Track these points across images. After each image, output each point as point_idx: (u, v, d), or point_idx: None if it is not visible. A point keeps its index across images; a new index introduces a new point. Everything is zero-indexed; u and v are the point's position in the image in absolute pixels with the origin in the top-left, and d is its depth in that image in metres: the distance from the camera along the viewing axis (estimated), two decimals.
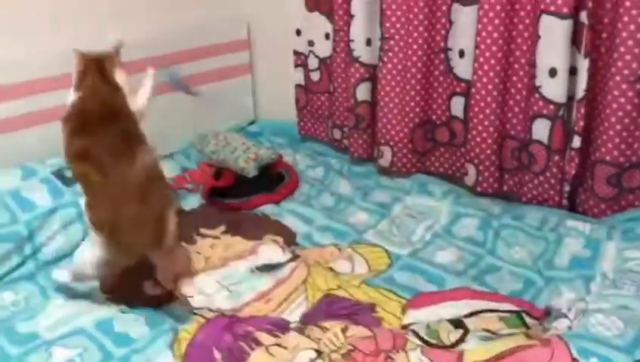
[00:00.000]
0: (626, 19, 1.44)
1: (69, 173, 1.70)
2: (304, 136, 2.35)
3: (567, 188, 1.67)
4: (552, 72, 1.57)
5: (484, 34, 1.65)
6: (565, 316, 1.23)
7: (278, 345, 1.27)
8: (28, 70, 1.82)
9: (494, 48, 1.65)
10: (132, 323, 1.36)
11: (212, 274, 1.53)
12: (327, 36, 2.11)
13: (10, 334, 1.32)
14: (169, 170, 2.05)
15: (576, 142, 1.59)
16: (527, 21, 1.62)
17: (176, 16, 2.23)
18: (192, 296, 1.45)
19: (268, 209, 1.87)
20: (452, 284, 1.46)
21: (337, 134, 2.20)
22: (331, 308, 1.39)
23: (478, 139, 1.77)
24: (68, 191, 1.67)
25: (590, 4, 1.47)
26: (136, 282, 1.51)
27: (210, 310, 1.40)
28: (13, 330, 1.34)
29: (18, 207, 1.60)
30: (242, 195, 1.94)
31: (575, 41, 1.55)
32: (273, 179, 2.02)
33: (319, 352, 1.23)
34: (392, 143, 1.98)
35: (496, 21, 1.62)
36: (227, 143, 2.10)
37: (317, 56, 2.17)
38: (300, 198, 1.96)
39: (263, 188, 1.96)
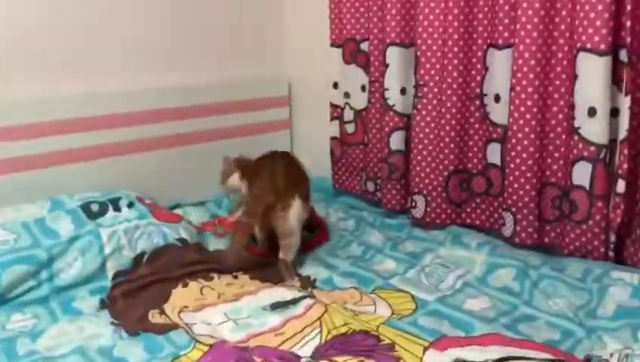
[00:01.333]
0: None
1: (95, 207, 1.73)
2: (338, 190, 2.31)
3: (612, 238, 1.54)
4: (592, 112, 1.49)
5: (519, 75, 1.61)
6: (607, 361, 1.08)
7: None
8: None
9: (530, 89, 1.60)
10: (132, 348, 1.29)
11: (221, 308, 1.46)
12: (363, 88, 2.12)
13: (9, 352, 1.28)
14: (198, 216, 2.06)
15: (621, 186, 1.48)
16: (564, 61, 1.57)
17: (223, 70, 2.32)
18: (194, 323, 1.38)
19: None
20: (481, 331, 1.32)
21: (371, 187, 2.15)
22: (347, 343, 1.28)
23: (516, 186, 1.68)
24: (91, 223, 1.67)
25: (629, 40, 1.42)
26: (144, 310, 1.46)
27: (213, 337, 1.31)
28: (14, 349, 1.29)
29: (41, 233, 1.60)
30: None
31: (615, 80, 1.48)
32: (310, 230, 1.97)
33: None
34: (425, 192, 1.90)
35: (532, 62, 1.58)
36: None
37: (352, 108, 2.17)
38: (327, 248, 1.89)
39: None
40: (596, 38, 1.45)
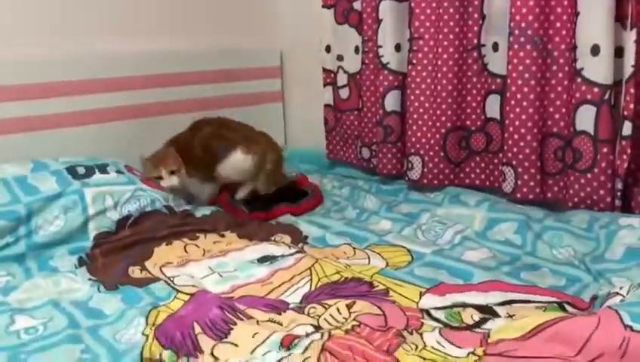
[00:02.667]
0: None
1: (81, 170, 1.65)
2: (332, 160, 2.23)
3: (619, 185, 1.45)
4: (595, 50, 1.41)
5: (517, 18, 1.53)
6: (618, 293, 0.99)
7: (271, 321, 1.08)
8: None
9: (529, 32, 1.52)
10: (109, 300, 1.21)
11: (205, 262, 1.37)
12: (356, 50, 2.04)
13: None
14: None
15: (627, 129, 1.39)
16: (564, 1, 1.49)
17: (212, 37, 2.25)
18: (177, 276, 1.30)
19: (283, 219, 1.72)
20: (481, 279, 1.23)
21: (366, 153, 2.07)
22: (338, 290, 1.19)
23: (516, 137, 1.59)
24: (76, 183, 1.59)
25: None
26: (124, 266, 1.38)
27: (195, 288, 1.23)
28: None
29: (21, 190, 1.52)
30: (263, 208, 1.81)
31: (619, 17, 1.40)
32: (297, 194, 1.89)
33: (318, 327, 1.03)
34: (422, 152, 1.82)
35: (531, 2, 1.50)
36: None
37: (346, 72, 2.09)
38: (321, 211, 1.81)
39: (286, 201, 1.83)
40: None
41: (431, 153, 1.81)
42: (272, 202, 1.83)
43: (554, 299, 1.11)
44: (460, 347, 0.93)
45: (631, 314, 0.85)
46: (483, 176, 1.79)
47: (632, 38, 1.35)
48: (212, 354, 0.99)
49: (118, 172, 1.70)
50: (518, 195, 1.61)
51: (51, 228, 1.48)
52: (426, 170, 1.82)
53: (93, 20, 1.94)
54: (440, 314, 1.07)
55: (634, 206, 1.47)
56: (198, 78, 2.19)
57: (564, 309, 1.07)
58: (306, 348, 0.94)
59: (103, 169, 1.69)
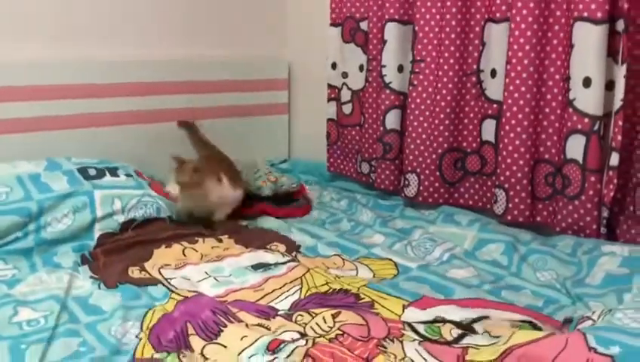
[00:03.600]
0: None
1: (92, 172, 1.72)
2: (333, 173, 2.29)
3: (605, 213, 1.50)
4: (587, 82, 1.46)
5: (515, 47, 1.59)
6: (589, 318, 1.04)
7: (260, 325, 1.14)
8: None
9: (526, 61, 1.58)
10: (108, 298, 1.27)
11: (202, 267, 1.43)
12: (360, 68, 2.11)
13: None
14: None
15: (614, 160, 1.44)
16: (560, 33, 1.54)
17: (224, 48, 2.33)
18: (173, 278, 1.36)
19: (275, 224, 1.78)
20: (462, 296, 1.28)
21: (365, 168, 2.12)
22: (325, 300, 1.25)
23: (509, 161, 1.65)
24: (87, 184, 1.65)
25: (626, 7, 1.40)
26: (124, 266, 1.44)
27: (190, 292, 1.28)
28: None
29: (35, 188, 1.59)
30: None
31: (611, 52, 1.46)
32: (287, 201, 1.96)
33: (303, 335, 1.09)
34: (419, 171, 1.88)
35: (528, 33, 1.56)
36: (254, 167, 2.06)
37: (350, 88, 2.15)
38: (317, 222, 1.86)
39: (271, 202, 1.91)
40: (593, 6, 1.42)
41: (427, 172, 1.86)
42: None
43: (527, 318, 1.16)
44: (438, 360, 0.98)
45: (596, 337, 0.90)
46: (476, 197, 1.84)
47: (623, 72, 1.40)
48: (202, 353, 1.04)
49: (128, 175, 1.76)
50: (509, 217, 1.66)
51: (59, 226, 1.55)
52: (422, 188, 1.88)
53: (109, 27, 2.02)
54: (420, 328, 1.12)
55: (619, 234, 1.52)
56: (208, 87, 2.26)
57: (537, 328, 1.12)
58: (291, 353, 1.00)
59: (113, 172, 1.75)
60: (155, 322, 1.14)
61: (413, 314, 1.18)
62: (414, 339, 1.06)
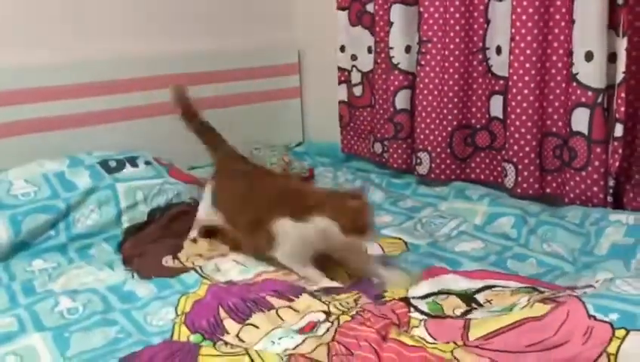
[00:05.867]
0: None
1: (112, 164, 1.80)
2: (347, 154, 2.35)
3: (611, 183, 1.54)
4: (589, 56, 1.49)
5: (518, 24, 1.62)
6: (591, 286, 1.10)
7: (289, 307, 1.21)
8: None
9: (529, 38, 1.61)
10: (142, 285, 1.36)
11: (232, 256, 1.50)
12: (369, 50, 2.15)
13: (28, 291, 1.36)
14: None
15: (619, 130, 1.48)
16: (562, 8, 1.57)
17: (235, 37, 2.38)
18: (205, 265, 1.44)
19: None
20: (467, 268, 1.35)
21: (378, 148, 2.18)
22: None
23: (517, 136, 1.69)
24: (108, 178, 1.74)
25: None
26: (158, 257, 1.52)
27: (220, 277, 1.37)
28: (33, 289, 1.37)
29: (60, 186, 1.68)
30: None
31: (613, 25, 1.48)
32: None
33: (328, 314, 1.16)
34: (430, 149, 1.93)
35: (530, 10, 1.59)
36: (270, 149, 2.14)
37: (360, 71, 2.20)
38: None
39: None
40: None
41: (438, 149, 1.91)
42: None
43: (530, 285, 1.22)
44: (441, 341, 1.04)
45: (595, 306, 0.96)
46: (487, 172, 1.89)
47: (624, 45, 1.43)
48: (238, 336, 1.12)
49: (147, 163, 1.84)
50: (519, 191, 1.72)
51: (88, 222, 1.64)
52: (433, 165, 1.93)
53: (121, 22, 2.09)
54: (424, 306, 1.18)
55: (625, 202, 1.56)
56: (221, 77, 2.32)
57: (537, 291, 1.18)
58: (325, 332, 1.07)
59: (132, 161, 1.83)
60: (189, 307, 1.23)
61: (418, 289, 1.24)
62: (420, 322, 1.11)
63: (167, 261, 1.51)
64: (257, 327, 1.12)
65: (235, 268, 1.43)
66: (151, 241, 1.63)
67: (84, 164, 1.77)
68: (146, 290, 1.33)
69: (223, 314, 1.18)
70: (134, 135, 2.09)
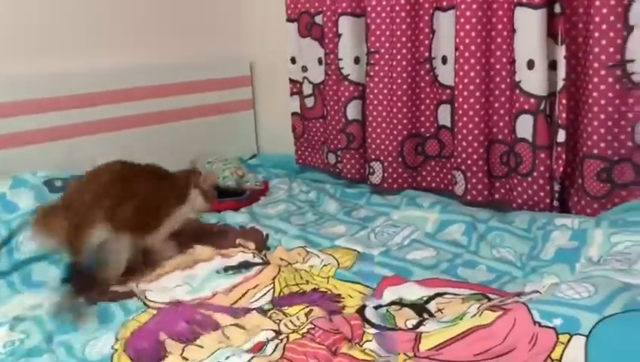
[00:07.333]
0: (597, 3, 1.41)
1: (58, 183, 1.75)
2: (302, 165, 2.34)
3: (556, 187, 1.58)
4: (530, 64, 1.53)
5: (462, 34, 1.65)
6: (538, 292, 1.12)
7: (236, 326, 1.19)
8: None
9: (473, 47, 1.64)
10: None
11: (177, 274, 1.47)
12: (319, 61, 2.15)
13: None
14: None
15: (561, 136, 1.52)
16: (504, 17, 1.61)
17: (185, 50, 2.35)
18: (149, 290, 1.40)
19: (240, 219, 1.83)
20: (420, 276, 1.35)
21: (332, 159, 2.18)
22: (297, 298, 1.31)
23: (465, 144, 1.72)
24: (53, 197, 1.67)
25: None
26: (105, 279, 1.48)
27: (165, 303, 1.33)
28: None
29: (2, 208, 1.61)
30: None
31: (552, 33, 1.52)
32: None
33: (278, 333, 1.15)
34: (382, 158, 1.94)
35: (473, 20, 1.62)
36: (224, 162, 2.12)
37: (311, 82, 2.20)
38: (283, 216, 1.90)
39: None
40: None
41: (390, 159, 1.92)
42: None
43: (479, 292, 1.23)
44: (393, 352, 1.04)
45: (540, 312, 0.97)
46: (438, 180, 1.91)
47: (563, 53, 1.47)
48: (182, 355, 1.10)
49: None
50: (469, 198, 1.74)
51: (32, 244, 1.57)
52: (386, 174, 1.94)
53: (62, 37, 2.02)
54: (377, 319, 1.17)
55: (571, 206, 1.60)
56: (172, 90, 2.28)
57: (487, 298, 1.19)
58: (274, 350, 1.06)
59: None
60: (130, 334, 1.19)
61: (373, 300, 1.24)
62: (373, 336, 1.10)
63: (115, 286, 1.46)
64: (202, 347, 1.10)
65: (180, 288, 1.40)
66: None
67: (28, 184, 1.72)
68: (89, 318, 1.28)
69: (162, 336, 1.15)
70: (80, 152, 2.03)
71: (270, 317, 1.21)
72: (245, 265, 1.48)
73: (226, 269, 1.47)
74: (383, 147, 1.93)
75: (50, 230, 1.38)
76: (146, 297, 1.37)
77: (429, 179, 1.93)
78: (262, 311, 1.24)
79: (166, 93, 2.26)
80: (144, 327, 1.21)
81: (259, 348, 1.09)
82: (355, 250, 1.54)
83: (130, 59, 2.18)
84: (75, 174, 1.78)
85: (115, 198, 1.41)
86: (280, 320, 1.19)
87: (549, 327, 0.94)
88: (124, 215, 1.41)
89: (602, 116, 1.45)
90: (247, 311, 1.25)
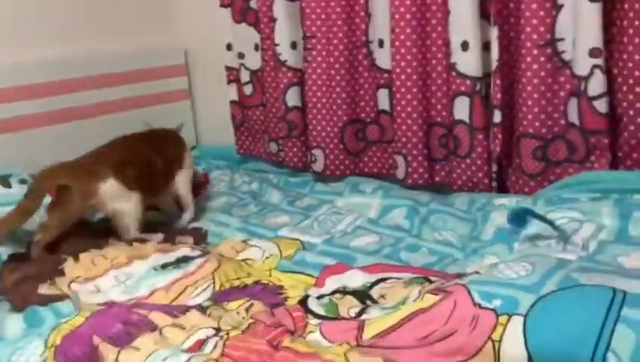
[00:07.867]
0: None
1: (14, 181, 1.68)
2: (243, 155, 2.29)
3: (494, 168, 1.60)
4: (465, 46, 1.53)
5: (397, 17, 1.63)
6: (477, 272, 1.12)
7: (174, 325, 1.14)
8: None
9: (408, 30, 1.63)
10: (11, 318, 1.24)
11: (111, 273, 1.41)
12: (256, 47, 2.10)
13: None
14: None
15: (497, 116, 1.53)
16: (438, 0, 1.60)
17: (113, 39, 2.24)
18: (82, 291, 1.33)
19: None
20: (363, 263, 1.34)
21: (274, 147, 2.14)
22: (238, 292, 1.27)
23: (404, 128, 1.71)
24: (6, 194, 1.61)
25: None
26: (34, 284, 1.40)
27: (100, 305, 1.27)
28: None
29: None
30: None
31: (485, 14, 1.53)
32: None
33: (218, 330, 1.11)
34: (323, 145, 1.91)
35: (407, 2, 1.61)
36: None
37: (248, 69, 2.14)
38: (224, 208, 1.86)
39: None
40: None
41: (331, 146, 1.90)
42: None
43: (421, 276, 1.23)
44: (337, 343, 1.02)
45: (479, 293, 0.97)
46: (380, 165, 1.91)
47: (495, 33, 1.48)
48: (117, 360, 1.04)
49: (22, 181, 1.69)
50: (410, 181, 1.74)
51: None
52: (328, 161, 1.92)
53: None
54: (320, 309, 1.15)
55: (509, 185, 1.62)
56: (103, 81, 2.18)
57: (429, 281, 1.19)
58: (213, 349, 1.02)
59: (5, 181, 1.68)
60: (61, 339, 1.12)
61: (315, 290, 1.22)
62: (316, 326, 1.08)
63: (43, 288, 1.38)
64: (138, 349, 1.05)
65: (115, 289, 1.34)
66: (29, 264, 1.50)
67: None
68: (15, 323, 1.21)
69: (97, 340, 1.09)
70: (5, 150, 1.91)
71: (210, 315, 1.17)
72: (184, 260, 1.43)
73: (164, 266, 1.42)
74: (324, 134, 1.91)
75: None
76: (78, 297, 1.31)
77: (370, 164, 1.92)
78: (201, 308, 1.19)
79: (98, 84, 2.16)
80: (76, 331, 1.14)
81: (198, 346, 1.05)
82: (298, 240, 1.51)
83: (58, 51, 2.06)
84: (1, 173, 1.69)
85: (120, 157, 1.55)
86: (220, 317, 1.16)
87: (489, 309, 0.94)
88: (132, 173, 1.52)
89: (535, 95, 1.47)
90: (186, 309, 1.20)
